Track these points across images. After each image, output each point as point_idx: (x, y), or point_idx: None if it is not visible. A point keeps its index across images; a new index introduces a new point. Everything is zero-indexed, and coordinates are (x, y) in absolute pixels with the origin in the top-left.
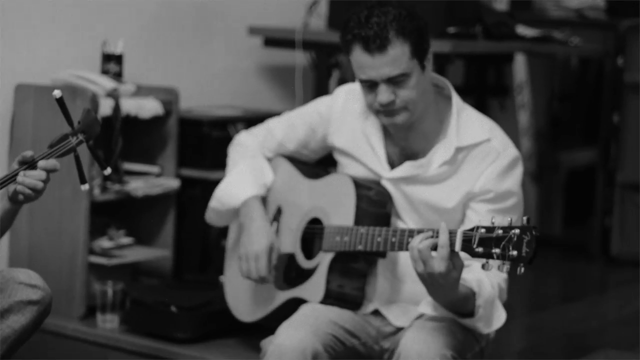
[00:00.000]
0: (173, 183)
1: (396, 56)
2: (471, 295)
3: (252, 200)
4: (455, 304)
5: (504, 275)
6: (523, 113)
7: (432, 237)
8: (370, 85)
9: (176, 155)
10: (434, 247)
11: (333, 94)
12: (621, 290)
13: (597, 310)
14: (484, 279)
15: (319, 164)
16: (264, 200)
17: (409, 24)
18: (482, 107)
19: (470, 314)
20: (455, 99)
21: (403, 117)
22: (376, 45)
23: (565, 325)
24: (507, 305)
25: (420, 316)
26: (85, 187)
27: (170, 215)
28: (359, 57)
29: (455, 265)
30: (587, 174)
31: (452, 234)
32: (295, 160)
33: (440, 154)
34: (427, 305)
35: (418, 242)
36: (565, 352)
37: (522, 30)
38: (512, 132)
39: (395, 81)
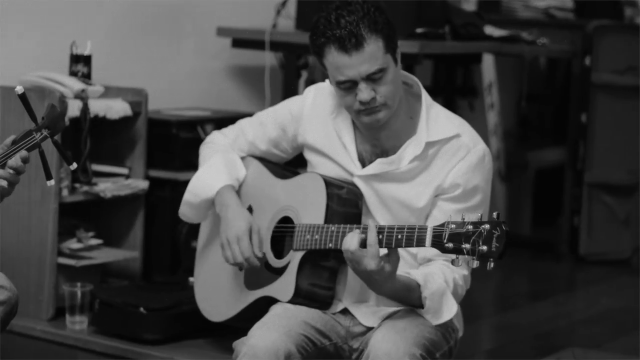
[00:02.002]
0: (142, 184)
1: (372, 52)
2: (416, 287)
3: (226, 189)
4: (398, 296)
5: (463, 272)
6: (492, 113)
7: (362, 233)
8: (349, 87)
9: (145, 156)
10: (364, 244)
11: (303, 93)
12: (589, 289)
13: (565, 309)
14: (437, 273)
15: (288, 164)
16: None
17: (379, 18)
18: (451, 107)
19: (420, 306)
20: (425, 96)
21: (384, 114)
22: (352, 43)
23: (534, 324)
24: (475, 305)
25: (390, 316)
26: (51, 182)
27: (139, 216)
28: (335, 58)
29: (389, 260)
30: (556, 173)
31: (421, 230)
32: (265, 160)
33: (410, 149)
34: (378, 302)
35: (349, 243)
36: (533, 351)
37: (490, 30)
38: (481, 132)
39: (373, 78)
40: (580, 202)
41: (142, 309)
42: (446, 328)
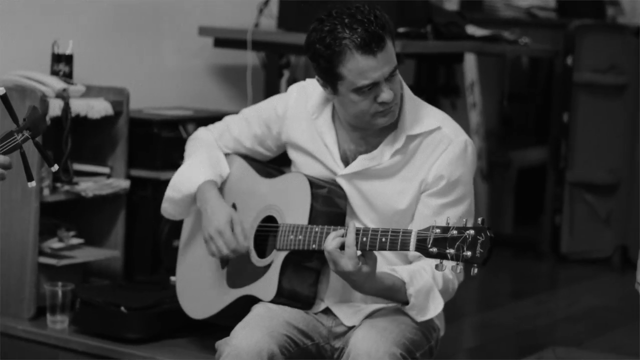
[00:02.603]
0: (123, 183)
1: (391, 51)
2: (401, 286)
3: (207, 185)
4: (382, 294)
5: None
6: (474, 112)
7: (343, 235)
8: (369, 90)
9: (126, 155)
10: (342, 246)
11: (287, 91)
12: (571, 288)
13: (547, 308)
14: (425, 268)
15: (273, 162)
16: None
17: (385, 16)
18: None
19: (406, 303)
20: (406, 89)
21: (395, 113)
22: (376, 44)
23: (516, 322)
24: (457, 303)
25: (371, 315)
26: (32, 184)
27: (121, 215)
28: (360, 63)
29: (367, 261)
30: (538, 172)
31: (405, 234)
32: (250, 158)
33: (391, 144)
34: (361, 300)
35: (329, 244)
36: (515, 350)
37: (473, 30)
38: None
39: (390, 77)
40: (562, 201)
41: (123, 308)
42: (427, 327)
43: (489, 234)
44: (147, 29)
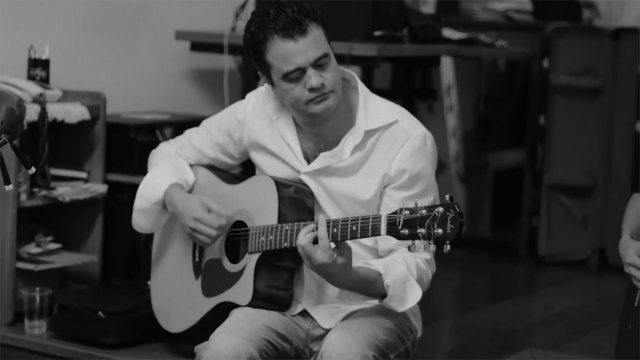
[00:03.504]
0: (100, 188)
1: (316, 37)
2: (377, 278)
3: (173, 188)
4: (359, 288)
5: (425, 256)
6: (451, 115)
7: (314, 230)
8: (296, 77)
9: (103, 160)
10: (315, 240)
11: (245, 98)
12: (548, 290)
13: (524, 310)
14: (398, 260)
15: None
16: None
17: (315, 8)
18: (409, 110)
19: (385, 296)
20: (361, 87)
21: (332, 100)
22: (296, 29)
23: (493, 325)
24: (435, 306)
25: (346, 317)
26: (10, 187)
27: (98, 220)
28: (281, 48)
29: (342, 252)
30: (515, 175)
31: (375, 219)
32: (214, 167)
33: (350, 140)
34: (338, 299)
35: (301, 239)
36: (492, 352)
37: (449, 33)
38: (440, 134)
39: (320, 63)
40: (539, 204)
41: (100, 313)
42: (403, 329)
43: (457, 209)
44: (124, 33)
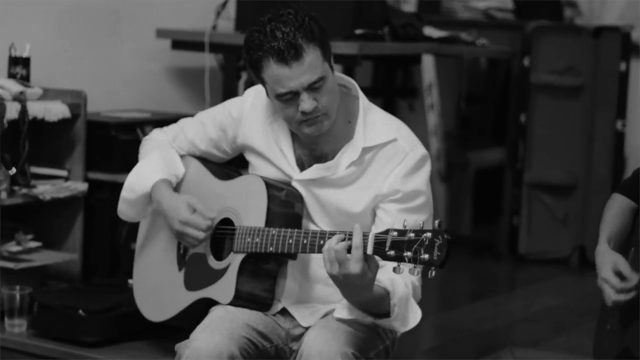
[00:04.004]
0: (81, 186)
1: (312, 61)
2: (385, 295)
3: (161, 184)
4: (370, 304)
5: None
6: (432, 114)
7: (345, 239)
8: (289, 98)
9: (84, 158)
10: (349, 249)
11: (244, 94)
12: (528, 288)
13: (504, 308)
14: (398, 278)
15: (229, 164)
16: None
17: (315, 27)
18: (390, 108)
19: (387, 314)
20: (362, 99)
21: (325, 124)
22: (291, 55)
23: (474, 323)
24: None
25: (326, 315)
26: None
27: (79, 218)
28: (275, 71)
29: (370, 266)
30: (496, 173)
31: (364, 237)
32: (205, 160)
33: (347, 155)
34: (342, 309)
35: (335, 244)
36: (473, 350)
37: (430, 31)
38: (421, 133)
39: (314, 87)
40: (519, 202)
41: (81, 312)
42: (383, 327)
43: (446, 236)
44: (104, 31)
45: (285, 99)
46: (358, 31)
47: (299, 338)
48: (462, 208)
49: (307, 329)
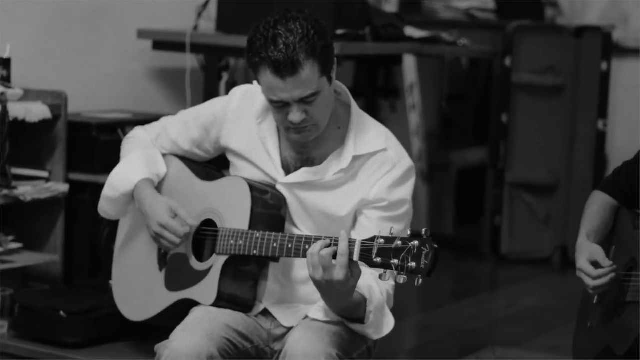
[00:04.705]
0: (62, 187)
1: (307, 77)
2: (363, 302)
3: (143, 183)
4: (348, 310)
5: (391, 282)
6: (413, 114)
7: (331, 245)
8: (280, 106)
9: (65, 159)
10: (334, 255)
11: (229, 95)
12: (510, 288)
13: (487, 308)
14: (374, 285)
15: (210, 163)
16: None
17: (318, 42)
18: (372, 108)
19: (361, 319)
20: (354, 106)
21: (313, 133)
22: (287, 69)
23: (456, 323)
24: (398, 303)
25: (308, 315)
26: None
27: (60, 219)
28: (268, 79)
29: (353, 273)
30: (478, 173)
31: (350, 244)
32: (187, 160)
33: (336, 162)
34: (318, 311)
35: (319, 249)
36: (455, 350)
37: (411, 31)
38: (403, 133)
39: (306, 101)
40: (501, 202)
41: (62, 313)
42: None
43: (433, 245)
44: (85, 32)
45: (276, 106)
46: (339, 31)
47: (280, 338)
48: (445, 208)
49: (289, 329)
